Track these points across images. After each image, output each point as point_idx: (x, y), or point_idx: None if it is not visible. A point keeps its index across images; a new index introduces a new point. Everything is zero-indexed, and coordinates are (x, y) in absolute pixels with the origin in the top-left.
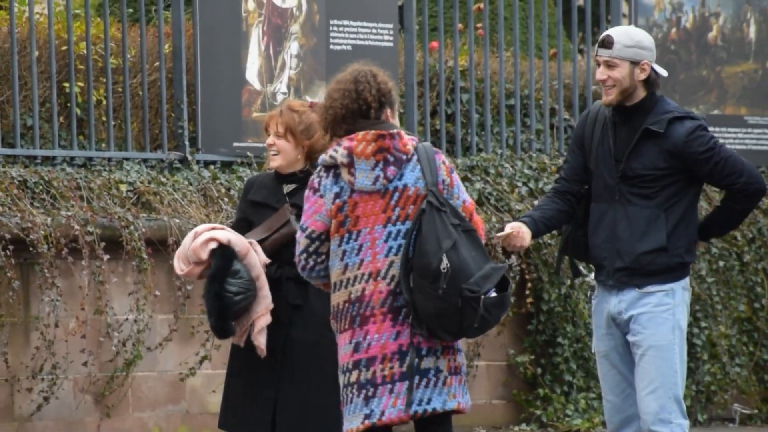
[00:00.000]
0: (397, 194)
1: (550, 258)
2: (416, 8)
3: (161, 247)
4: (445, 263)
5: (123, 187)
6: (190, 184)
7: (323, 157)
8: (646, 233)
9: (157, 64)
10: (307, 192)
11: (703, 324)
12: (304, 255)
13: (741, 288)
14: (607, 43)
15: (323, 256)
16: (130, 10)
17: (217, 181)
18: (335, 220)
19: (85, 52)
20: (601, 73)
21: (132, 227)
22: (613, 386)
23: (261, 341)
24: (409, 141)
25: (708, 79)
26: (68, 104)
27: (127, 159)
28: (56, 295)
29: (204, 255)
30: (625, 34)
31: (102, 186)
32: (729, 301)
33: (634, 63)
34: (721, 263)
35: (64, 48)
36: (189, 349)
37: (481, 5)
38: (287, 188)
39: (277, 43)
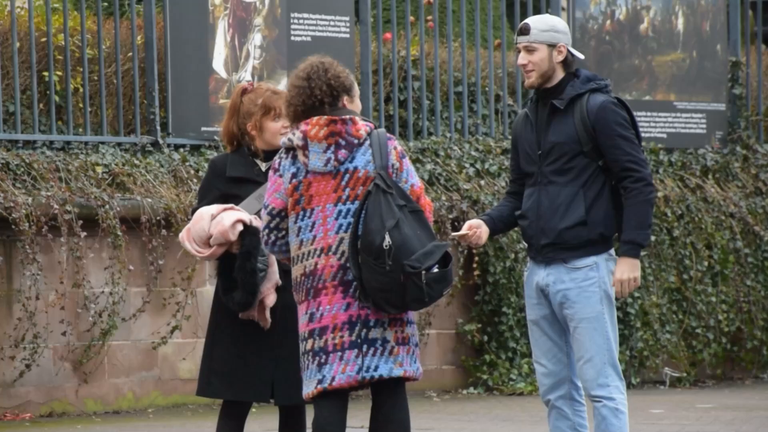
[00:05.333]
0: (347, 176)
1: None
2: (371, 1)
3: (135, 224)
4: (387, 241)
5: (99, 169)
6: (162, 166)
7: (283, 140)
8: (567, 210)
9: (130, 54)
10: (270, 172)
11: (636, 294)
12: (266, 230)
13: (671, 261)
14: (525, 30)
15: (283, 232)
16: (105, 3)
17: (187, 163)
18: (291, 198)
19: (63, 43)
20: (522, 58)
21: (107, 206)
22: (546, 351)
23: (268, 316)
24: (363, 126)
25: (640, 67)
26: (47, 92)
27: (102, 143)
28: (37, 269)
29: (233, 237)
30: (540, 20)
31: (79, 168)
32: (660, 273)
33: (551, 46)
34: (653, 238)
35: (44, 39)
36: (161, 320)
37: None
38: (265, 165)
39: (241, 34)
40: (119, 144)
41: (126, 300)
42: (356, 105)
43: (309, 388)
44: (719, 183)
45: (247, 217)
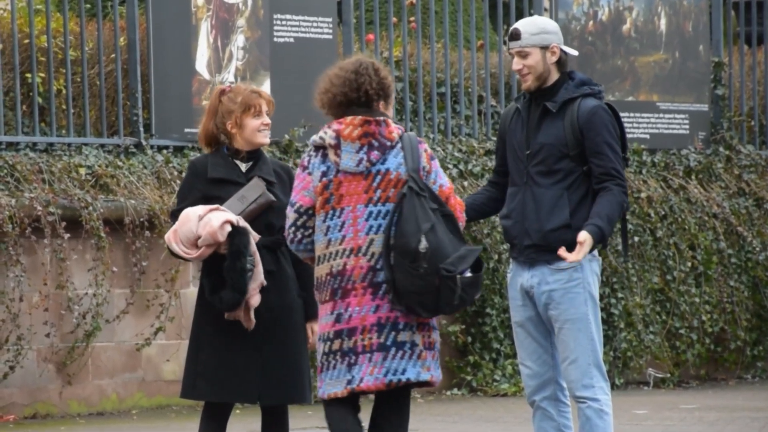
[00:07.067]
0: (379, 177)
1: (479, 235)
2: (353, 3)
3: (118, 226)
4: (424, 244)
5: (82, 171)
6: (145, 168)
7: (314, 138)
8: (551, 212)
9: (113, 55)
10: (297, 169)
11: (619, 295)
12: (293, 228)
13: (654, 261)
14: (516, 35)
15: (310, 230)
16: (88, 5)
17: (170, 165)
18: (321, 197)
19: (46, 45)
20: (516, 63)
21: (91, 208)
22: (531, 353)
23: (252, 316)
24: (395, 129)
25: (623, 68)
26: (30, 93)
27: (85, 144)
28: (20, 271)
29: (222, 237)
30: (530, 24)
31: (63, 169)
32: (643, 274)
33: (544, 48)
34: (636, 238)
35: (27, 41)
36: (144, 321)
37: (414, 0)
38: (245, 165)
39: (224, 35)
40: (102, 145)
41: (109, 301)
42: (389, 112)
43: (336, 388)
44: (702, 184)
45: (234, 217)
